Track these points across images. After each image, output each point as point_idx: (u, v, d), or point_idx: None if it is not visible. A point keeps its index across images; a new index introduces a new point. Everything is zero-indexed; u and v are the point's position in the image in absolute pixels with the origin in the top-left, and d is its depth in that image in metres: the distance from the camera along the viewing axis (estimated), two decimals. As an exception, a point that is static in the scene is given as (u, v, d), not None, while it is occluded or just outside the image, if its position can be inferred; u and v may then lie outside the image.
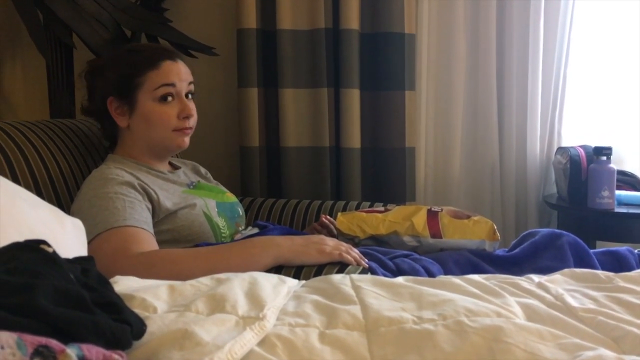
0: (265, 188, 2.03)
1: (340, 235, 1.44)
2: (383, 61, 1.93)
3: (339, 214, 1.47)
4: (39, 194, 1.29)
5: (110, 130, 1.43)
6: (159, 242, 1.26)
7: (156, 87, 1.34)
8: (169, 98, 1.35)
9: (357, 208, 1.72)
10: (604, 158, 1.78)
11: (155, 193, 1.29)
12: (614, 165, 1.79)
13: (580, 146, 1.90)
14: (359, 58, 1.94)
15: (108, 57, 1.45)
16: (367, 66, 1.95)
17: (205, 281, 0.84)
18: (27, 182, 1.29)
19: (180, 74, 1.37)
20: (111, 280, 0.81)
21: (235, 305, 0.74)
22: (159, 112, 1.34)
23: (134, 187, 1.26)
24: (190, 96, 1.40)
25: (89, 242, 1.14)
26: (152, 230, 1.24)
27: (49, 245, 0.62)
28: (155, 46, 1.54)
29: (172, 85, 1.35)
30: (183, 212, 1.32)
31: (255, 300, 0.77)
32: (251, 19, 1.92)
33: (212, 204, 1.41)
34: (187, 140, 1.40)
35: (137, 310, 0.70)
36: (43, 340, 0.47)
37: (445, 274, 1.24)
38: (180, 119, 1.36)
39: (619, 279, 0.92)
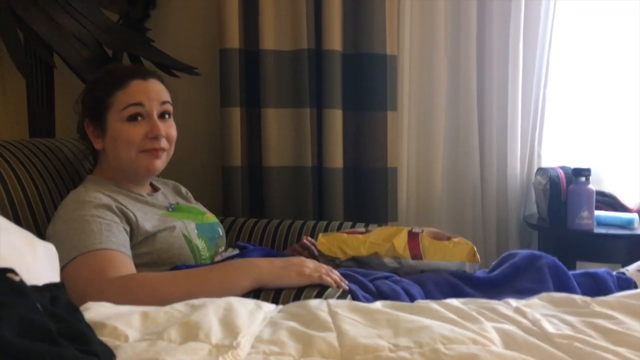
0: (247, 208, 2.02)
1: (321, 257, 1.43)
2: (365, 82, 1.94)
3: (320, 235, 1.46)
4: (16, 216, 1.27)
5: (92, 152, 1.42)
6: (138, 265, 1.25)
7: (123, 107, 1.30)
8: (139, 118, 1.31)
9: (339, 228, 1.71)
10: (583, 179, 1.80)
11: (134, 215, 1.27)
12: (593, 186, 1.81)
13: (560, 167, 1.92)
14: (342, 79, 1.95)
15: (88, 81, 1.44)
16: (350, 87, 1.96)
17: (179, 307, 0.83)
18: (3, 203, 1.27)
19: (149, 92, 1.32)
20: (83, 306, 0.80)
21: (208, 333, 0.73)
22: (125, 131, 1.30)
23: (111, 210, 1.24)
24: (167, 116, 1.36)
25: (65, 266, 1.13)
26: (129, 253, 1.22)
27: (16, 274, 0.60)
28: (128, 67, 1.52)
29: (140, 104, 1.31)
30: (162, 234, 1.30)
31: (229, 327, 0.76)
32: (234, 39, 1.92)
33: (191, 226, 1.39)
34: (157, 163, 1.34)
35: (107, 339, 0.69)
36: (5, 375, 0.46)
37: (425, 295, 1.24)
38: (148, 139, 1.31)
39: (595, 304, 0.92)
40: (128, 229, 1.26)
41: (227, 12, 1.91)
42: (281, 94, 1.94)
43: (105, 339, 0.68)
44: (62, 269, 1.11)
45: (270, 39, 1.93)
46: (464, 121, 2.05)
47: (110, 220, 1.22)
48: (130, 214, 1.27)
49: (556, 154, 2.07)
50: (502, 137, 2.04)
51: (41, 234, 1.25)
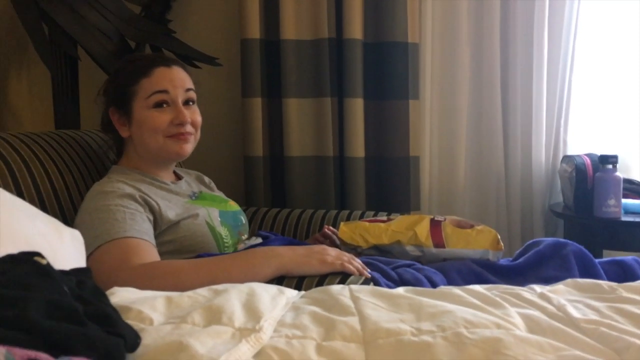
0: (269, 198, 2.03)
1: (343, 245, 1.43)
2: (387, 70, 1.93)
3: (342, 223, 1.46)
4: (43, 206, 1.29)
5: (116, 142, 1.44)
6: (162, 253, 1.26)
7: (149, 94, 1.33)
8: (164, 105, 1.34)
9: (361, 217, 1.71)
10: (610, 166, 1.77)
11: (157, 204, 1.29)
12: (620, 173, 1.78)
13: (586, 154, 1.89)
14: (363, 67, 1.94)
15: (112, 71, 1.46)
16: (371, 75, 1.95)
17: (202, 292, 0.84)
18: (31, 194, 1.29)
19: (173, 80, 1.35)
20: (108, 291, 0.81)
21: (231, 316, 0.73)
22: (151, 117, 1.33)
23: (134, 199, 1.26)
24: (191, 103, 1.39)
25: (90, 254, 1.14)
26: (153, 241, 1.24)
27: (43, 257, 0.62)
28: (151, 55, 1.54)
29: (165, 92, 1.34)
30: (186, 222, 1.32)
31: (252, 311, 0.76)
32: (255, 30, 1.93)
33: (215, 213, 1.40)
34: (186, 147, 1.37)
35: (132, 322, 0.70)
36: (32, 354, 0.47)
37: (448, 283, 1.23)
38: (174, 125, 1.34)
39: (622, 290, 0.90)
40: (152, 217, 1.28)
41: (247, 2, 1.91)
42: (302, 83, 1.94)
43: (130, 322, 0.69)
44: (87, 258, 1.13)
45: (291, 28, 1.92)
46: (488, 109, 2.02)
47: (134, 210, 1.24)
48: (154, 203, 1.28)
49: (582, 141, 2.04)
50: (527, 124, 2.01)
51: (67, 223, 1.27)
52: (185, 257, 1.30)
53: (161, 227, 1.29)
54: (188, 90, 1.38)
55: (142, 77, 1.34)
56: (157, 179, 1.39)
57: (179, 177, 1.50)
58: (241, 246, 1.44)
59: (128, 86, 1.35)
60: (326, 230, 1.55)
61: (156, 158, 1.39)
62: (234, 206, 1.53)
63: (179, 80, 1.36)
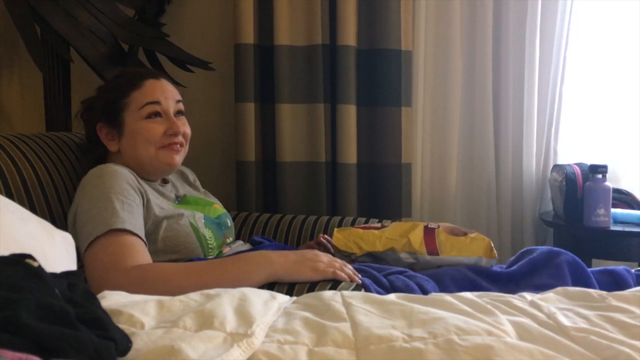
0: (261, 203, 2.02)
1: (337, 252, 1.43)
2: (380, 77, 1.94)
3: (335, 230, 1.46)
4: (32, 207, 1.29)
5: (100, 159, 1.43)
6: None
7: (141, 105, 1.34)
8: (156, 117, 1.35)
9: (353, 224, 1.71)
10: (600, 176, 1.78)
11: (147, 196, 1.30)
12: (610, 183, 1.79)
13: (576, 164, 1.90)
14: (356, 74, 1.94)
15: (97, 89, 1.46)
16: (364, 82, 1.96)
17: (194, 297, 0.84)
18: (20, 195, 1.28)
19: (165, 91, 1.37)
20: (99, 294, 0.80)
21: (223, 321, 0.73)
22: (145, 127, 1.34)
23: (131, 186, 1.26)
24: (181, 115, 1.41)
25: (88, 247, 1.16)
26: (144, 238, 1.24)
27: (34, 260, 0.61)
28: (139, 69, 1.55)
29: (157, 102, 1.35)
30: (170, 222, 1.31)
31: (244, 316, 0.76)
32: (249, 35, 1.93)
33: (199, 215, 1.40)
34: (176, 157, 1.38)
35: (124, 326, 0.70)
36: (23, 356, 0.47)
37: (442, 290, 1.23)
38: (167, 136, 1.35)
39: (612, 298, 0.91)
40: (142, 211, 1.28)
41: (242, 7, 1.92)
42: (295, 89, 1.94)
43: (121, 326, 0.69)
44: (84, 250, 1.16)
45: (285, 34, 1.93)
46: (479, 117, 2.04)
47: (132, 201, 1.24)
48: (144, 195, 1.29)
49: (572, 151, 2.05)
50: (518, 134, 2.02)
51: (56, 224, 1.27)
52: (169, 257, 1.29)
53: (147, 223, 1.29)
54: (178, 101, 1.40)
55: (133, 90, 1.35)
56: (144, 178, 1.39)
57: (165, 181, 1.50)
58: (226, 249, 1.44)
59: (118, 99, 1.35)
60: (321, 239, 1.54)
61: (145, 169, 1.38)
62: (219, 209, 1.53)
63: (169, 91, 1.39)
